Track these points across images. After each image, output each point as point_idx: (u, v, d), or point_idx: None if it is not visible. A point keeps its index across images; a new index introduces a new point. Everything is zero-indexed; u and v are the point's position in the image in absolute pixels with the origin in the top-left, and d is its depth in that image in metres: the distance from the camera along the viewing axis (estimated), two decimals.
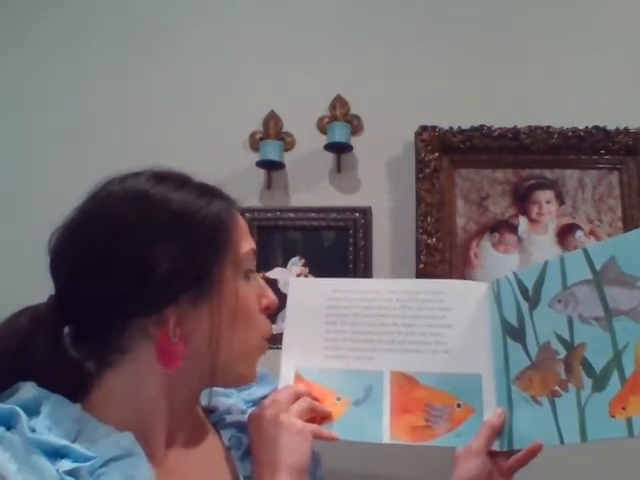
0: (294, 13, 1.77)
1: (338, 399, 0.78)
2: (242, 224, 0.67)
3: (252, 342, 0.67)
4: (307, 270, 1.62)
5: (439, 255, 1.56)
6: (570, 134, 1.58)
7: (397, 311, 0.81)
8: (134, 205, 0.61)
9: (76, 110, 1.77)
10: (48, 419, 0.54)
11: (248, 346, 0.66)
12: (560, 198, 1.60)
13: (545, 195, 1.60)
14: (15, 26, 1.84)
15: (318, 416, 0.75)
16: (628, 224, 1.55)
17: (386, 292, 0.83)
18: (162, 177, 0.65)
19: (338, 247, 1.63)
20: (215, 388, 0.76)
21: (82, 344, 0.62)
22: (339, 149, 1.65)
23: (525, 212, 1.60)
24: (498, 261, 1.58)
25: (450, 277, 1.56)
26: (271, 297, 0.70)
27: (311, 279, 0.95)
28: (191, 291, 0.60)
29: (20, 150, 1.77)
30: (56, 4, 1.84)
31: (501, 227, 1.60)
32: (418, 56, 1.70)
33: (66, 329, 0.62)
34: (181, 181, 0.65)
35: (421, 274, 1.54)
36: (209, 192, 0.65)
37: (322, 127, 1.68)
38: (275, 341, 0.76)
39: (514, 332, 0.76)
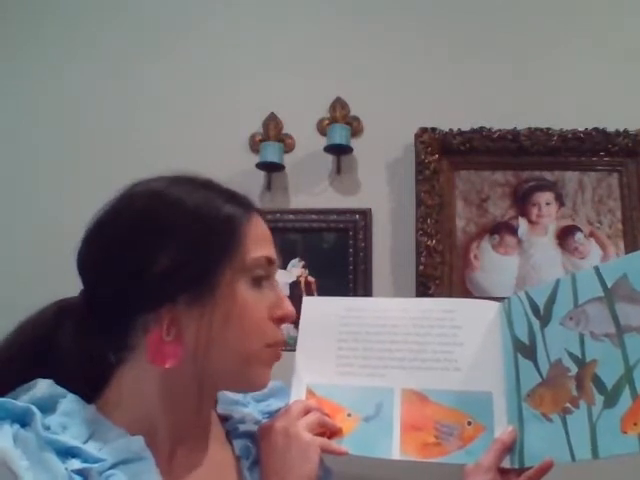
0: (294, 15, 1.76)
1: (349, 415, 0.78)
2: (259, 230, 0.66)
3: (252, 348, 0.64)
4: (307, 272, 1.63)
5: (439, 257, 1.56)
6: (570, 136, 1.58)
7: (409, 329, 0.82)
8: (147, 204, 0.62)
9: (76, 110, 1.77)
10: (63, 418, 0.55)
11: (247, 352, 0.64)
12: (560, 200, 1.60)
13: (545, 197, 1.60)
14: (14, 27, 1.82)
15: (328, 431, 0.76)
16: (628, 226, 1.55)
17: (398, 310, 0.84)
18: (183, 180, 0.65)
19: (338, 249, 1.63)
20: (234, 397, 0.77)
21: (102, 338, 0.63)
22: (339, 151, 1.64)
23: (525, 214, 1.60)
24: (498, 263, 1.58)
25: (450, 278, 1.57)
26: (286, 308, 0.68)
27: (324, 298, 0.95)
28: (189, 291, 0.60)
29: (20, 150, 1.76)
30: (56, 4, 1.83)
31: (501, 229, 1.60)
32: (418, 58, 1.70)
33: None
34: (200, 184, 0.65)
35: (421, 276, 1.55)
36: (226, 196, 0.65)
37: (322, 129, 1.68)
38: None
39: (525, 350, 0.76)
